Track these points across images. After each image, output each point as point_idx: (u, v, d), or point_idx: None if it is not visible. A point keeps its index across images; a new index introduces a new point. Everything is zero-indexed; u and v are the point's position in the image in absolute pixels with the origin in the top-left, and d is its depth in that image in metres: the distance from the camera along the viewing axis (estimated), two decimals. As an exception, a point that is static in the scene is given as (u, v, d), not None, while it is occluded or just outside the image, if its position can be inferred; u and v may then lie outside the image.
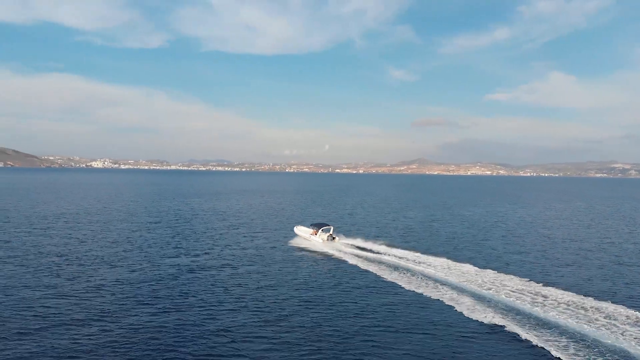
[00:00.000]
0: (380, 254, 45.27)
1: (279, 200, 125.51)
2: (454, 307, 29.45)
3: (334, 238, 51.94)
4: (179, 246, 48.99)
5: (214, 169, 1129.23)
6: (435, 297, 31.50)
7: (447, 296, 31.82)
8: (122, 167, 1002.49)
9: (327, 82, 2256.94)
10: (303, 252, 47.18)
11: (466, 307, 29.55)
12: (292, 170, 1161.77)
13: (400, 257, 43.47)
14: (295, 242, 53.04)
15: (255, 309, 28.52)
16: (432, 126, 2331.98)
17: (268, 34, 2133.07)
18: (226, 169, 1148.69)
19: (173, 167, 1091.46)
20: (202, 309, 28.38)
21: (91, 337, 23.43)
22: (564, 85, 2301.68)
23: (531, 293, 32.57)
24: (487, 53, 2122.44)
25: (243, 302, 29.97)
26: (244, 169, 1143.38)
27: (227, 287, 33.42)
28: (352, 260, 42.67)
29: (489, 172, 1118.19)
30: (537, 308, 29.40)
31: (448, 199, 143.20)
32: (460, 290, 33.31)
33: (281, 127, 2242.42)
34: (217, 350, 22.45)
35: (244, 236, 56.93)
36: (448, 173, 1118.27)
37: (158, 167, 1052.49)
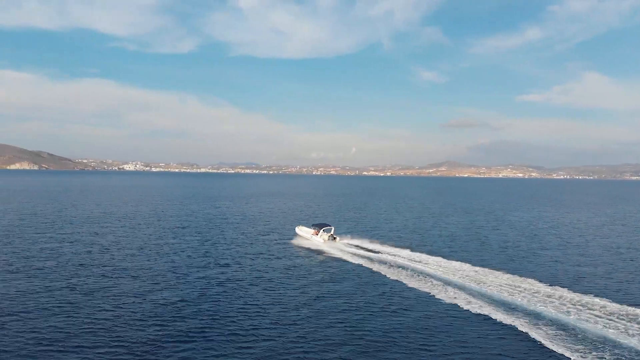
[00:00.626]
0: (423, 263, 40.39)
1: (310, 203, 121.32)
2: (531, 337, 24.36)
3: (334, 238, 52.25)
4: (207, 254, 45.15)
5: (242, 171, 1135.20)
6: (508, 323, 26.45)
7: (520, 323, 26.60)
8: (154, 169, 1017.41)
9: (355, 84, 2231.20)
10: (336, 262, 42.54)
11: (547, 338, 24.40)
12: (318, 173, 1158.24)
13: (453, 272, 38.37)
14: (296, 242, 53.50)
15: (295, 337, 24.11)
16: (462, 128, 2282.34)
17: (297, 37, 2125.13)
18: (254, 171, 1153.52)
19: (203, 170, 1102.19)
20: (231, 333, 24.16)
21: (102, 374, 19.46)
22: (598, 86, 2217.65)
23: (622, 319, 27.15)
24: (519, 54, 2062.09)
25: (279, 326, 25.60)
26: (271, 172, 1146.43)
27: (260, 305, 29.13)
28: (393, 276, 37.74)
29: (520, 175, 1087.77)
30: (634, 339, 24.10)
31: (487, 203, 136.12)
32: (536, 315, 28.05)
33: (309, 130, 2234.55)
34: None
35: (277, 243, 52.76)
36: (478, 175, 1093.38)
37: (188, 170, 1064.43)
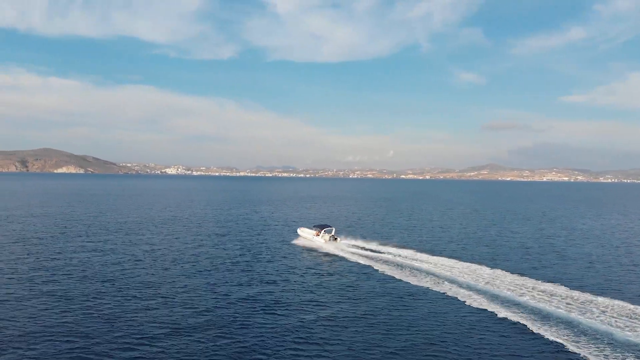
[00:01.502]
0: (507, 285, 33.48)
1: (353, 209, 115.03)
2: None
3: (335, 239, 52.95)
4: (248, 268, 39.77)
5: (279, 175, 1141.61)
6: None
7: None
8: (194, 173, 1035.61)
9: (392, 87, 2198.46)
10: (395, 282, 36.11)
11: None
12: (355, 176, 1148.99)
13: (548, 297, 31.36)
14: (299, 243, 53.89)
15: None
16: (503, 130, 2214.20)
17: (333, 41, 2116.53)
18: (291, 175, 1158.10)
19: (241, 174, 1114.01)
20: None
21: None
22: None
23: None
24: (561, 54, 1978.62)
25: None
26: (307, 175, 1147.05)
27: (319, 341, 23.27)
28: (474, 302, 31.18)
29: (566, 178, 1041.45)
30: None
31: (545, 208, 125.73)
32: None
33: (345, 134, 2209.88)
34: None
35: (324, 255, 46.86)
36: (522, 179, 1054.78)
37: (227, 174, 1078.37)
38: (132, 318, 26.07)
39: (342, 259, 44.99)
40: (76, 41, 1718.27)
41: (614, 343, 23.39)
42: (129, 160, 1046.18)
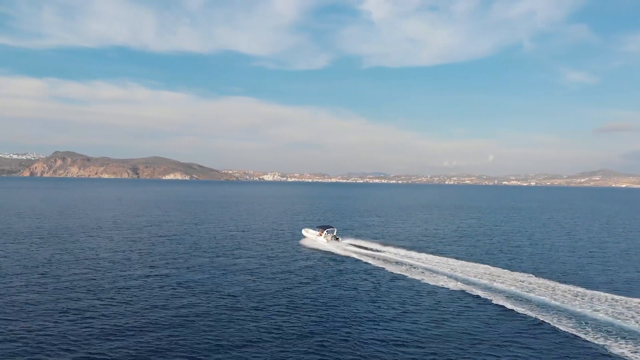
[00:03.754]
0: None
1: (491, 222, 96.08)
2: None
3: (337, 238, 54.68)
4: (371, 310, 24.86)
5: (370, 181, 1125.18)
6: None
7: None
8: (289, 180, 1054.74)
9: (492, 88, 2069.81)
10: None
11: None
12: (452, 182, 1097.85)
13: None
14: (303, 243, 54.66)
15: None
16: (616, 132, 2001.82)
17: (430, 45, 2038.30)
18: (382, 181, 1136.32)
19: (333, 180, 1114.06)
20: None
21: None
22: None
23: None
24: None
25: None
26: (400, 182, 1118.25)
27: None
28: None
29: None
30: None
31: None
32: None
33: (440, 138, 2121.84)
34: None
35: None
36: (638, 186, 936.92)
37: (320, 180, 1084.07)
38: None
39: (345, 257, 46.30)
40: (183, 56, 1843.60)
41: None
42: (230, 167, 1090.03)
